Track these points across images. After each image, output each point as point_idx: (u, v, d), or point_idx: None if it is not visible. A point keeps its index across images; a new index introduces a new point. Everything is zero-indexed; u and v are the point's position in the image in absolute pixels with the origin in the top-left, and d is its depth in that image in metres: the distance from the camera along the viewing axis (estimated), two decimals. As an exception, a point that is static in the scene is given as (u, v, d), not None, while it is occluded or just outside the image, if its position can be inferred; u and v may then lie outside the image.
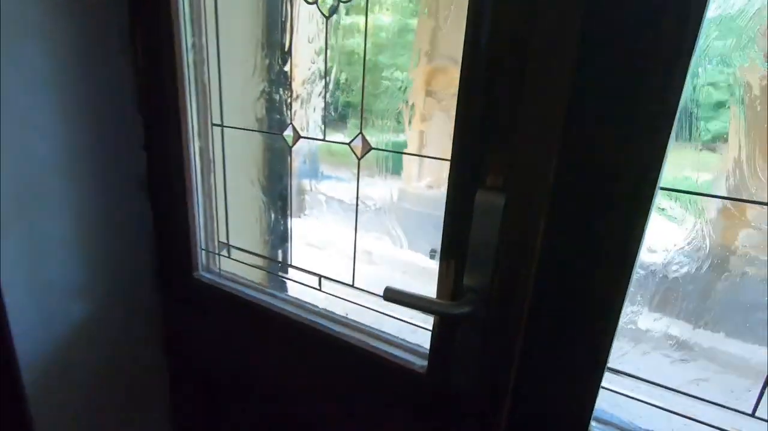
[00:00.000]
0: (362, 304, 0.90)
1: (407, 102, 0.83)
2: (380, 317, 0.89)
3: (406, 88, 0.83)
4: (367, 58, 0.76)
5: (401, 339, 0.89)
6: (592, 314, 0.62)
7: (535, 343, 0.68)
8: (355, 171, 0.82)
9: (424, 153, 0.87)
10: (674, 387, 0.62)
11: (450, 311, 0.68)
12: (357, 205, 0.81)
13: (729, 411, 0.60)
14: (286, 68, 0.92)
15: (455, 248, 0.71)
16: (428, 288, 0.76)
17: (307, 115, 0.90)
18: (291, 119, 0.91)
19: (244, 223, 1.10)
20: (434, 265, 0.76)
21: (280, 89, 0.96)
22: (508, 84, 0.60)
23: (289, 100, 0.93)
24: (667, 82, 0.51)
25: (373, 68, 0.78)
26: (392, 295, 0.71)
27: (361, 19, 0.76)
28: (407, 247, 0.98)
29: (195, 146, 1.03)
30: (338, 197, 1.04)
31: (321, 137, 0.86)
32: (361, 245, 0.88)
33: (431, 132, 0.85)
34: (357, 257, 0.90)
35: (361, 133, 0.80)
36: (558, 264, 0.63)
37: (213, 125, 1.01)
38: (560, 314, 0.65)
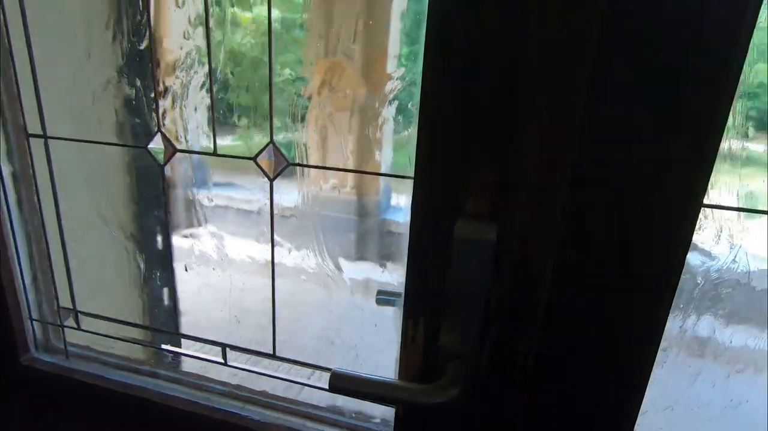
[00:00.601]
0: (291, 379, 0.65)
1: (299, 100, 0.62)
2: (319, 393, 0.65)
3: (301, 86, 0.62)
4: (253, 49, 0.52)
5: (352, 416, 0.66)
6: (618, 379, 0.47)
7: (541, 424, 0.50)
8: (264, 185, 0.56)
9: (326, 154, 0.67)
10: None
11: (427, 400, 0.47)
12: (273, 254, 0.55)
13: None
14: (144, 46, 0.62)
15: (427, 301, 0.51)
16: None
17: (184, 117, 0.61)
18: (159, 124, 0.61)
19: (98, 279, 0.75)
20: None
21: (138, 80, 0.65)
22: (500, 66, 0.41)
23: (152, 96, 0.63)
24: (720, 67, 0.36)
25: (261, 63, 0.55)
26: (341, 384, 0.48)
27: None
28: (323, 255, 0.76)
29: (1, 168, 0.67)
30: (241, 222, 0.76)
31: (208, 148, 0.58)
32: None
33: (332, 132, 0.66)
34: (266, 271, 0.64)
35: (271, 143, 0.54)
36: (572, 318, 0.46)
37: (30, 135, 0.66)
38: (574, 383, 0.48)
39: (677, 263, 0.42)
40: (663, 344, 0.54)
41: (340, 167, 0.72)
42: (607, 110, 0.39)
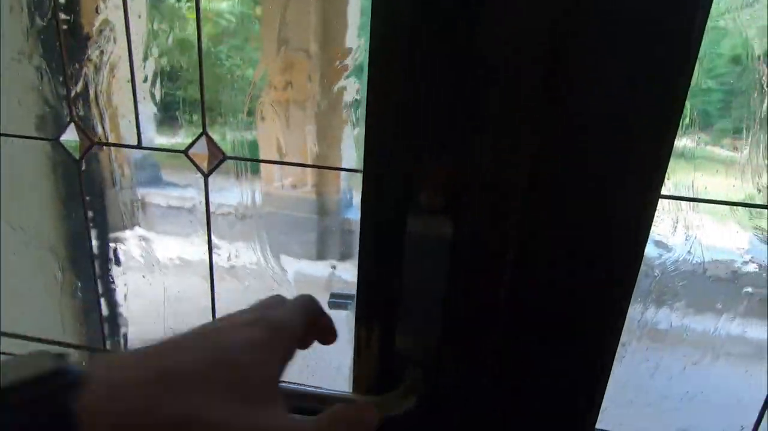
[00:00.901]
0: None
1: (254, 96, 0.57)
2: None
3: (253, 80, 0.58)
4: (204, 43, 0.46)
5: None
6: (581, 376, 0.45)
7: (504, 426, 0.48)
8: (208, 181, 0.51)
9: (283, 153, 0.63)
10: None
11: (383, 412, 0.43)
12: (210, 258, 0.50)
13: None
14: (49, 19, 0.53)
15: (380, 303, 0.47)
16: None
17: (100, 104, 0.54)
18: (73, 113, 0.53)
19: (8, 293, 0.66)
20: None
21: (44, 60, 0.56)
22: (453, 54, 0.37)
23: (62, 79, 0.54)
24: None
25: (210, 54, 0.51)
26: (287, 402, 0.43)
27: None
28: (275, 256, 0.71)
29: None
30: (180, 223, 0.69)
31: (133, 140, 0.51)
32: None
33: (289, 130, 0.62)
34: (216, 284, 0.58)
35: (204, 133, 0.48)
36: (533, 315, 0.44)
37: None
38: (537, 382, 0.46)
39: (637, 255, 0.41)
40: (622, 338, 0.53)
41: (291, 161, 0.67)
42: (566, 103, 0.37)
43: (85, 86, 0.53)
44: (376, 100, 0.40)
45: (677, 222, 0.44)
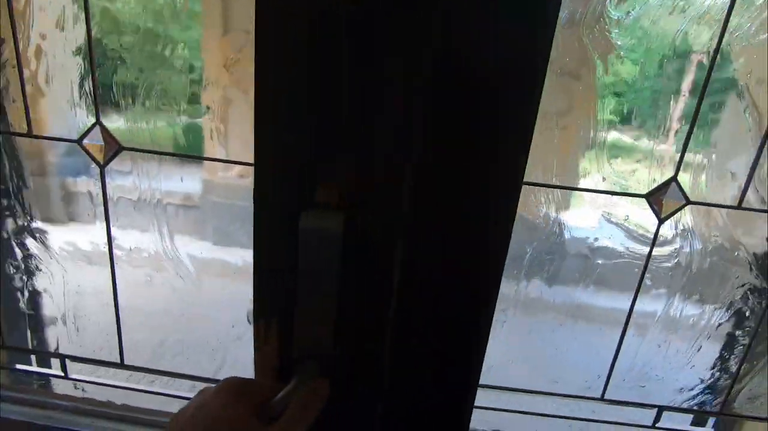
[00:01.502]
0: (144, 389, 0.60)
1: (197, 80, 0.56)
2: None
3: (192, 62, 0.56)
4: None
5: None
6: (463, 339, 0.51)
7: (399, 399, 0.52)
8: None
9: (225, 142, 0.62)
10: (537, 389, 0.59)
11: (280, 404, 0.45)
12: (111, 250, 0.49)
13: (583, 400, 0.60)
14: None
15: (276, 300, 0.48)
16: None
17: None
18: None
19: None
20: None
21: None
22: (348, 42, 0.39)
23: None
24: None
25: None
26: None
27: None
28: (219, 245, 0.70)
29: None
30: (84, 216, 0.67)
31: (22, 126, 0.49)
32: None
33: (233, 117, 0.61)
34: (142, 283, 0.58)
35: (98, 123, 0.48)
36: (423, 291, 0.48)
37: None
38: (426, 366, 0.51)
39: (506, 234, 0.46)
40: (503, 307, 0.60)
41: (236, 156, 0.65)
42: (443, 114, 0.40)
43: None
44: (265, 93, 0.41)
45: (544, 205, 0.52)
